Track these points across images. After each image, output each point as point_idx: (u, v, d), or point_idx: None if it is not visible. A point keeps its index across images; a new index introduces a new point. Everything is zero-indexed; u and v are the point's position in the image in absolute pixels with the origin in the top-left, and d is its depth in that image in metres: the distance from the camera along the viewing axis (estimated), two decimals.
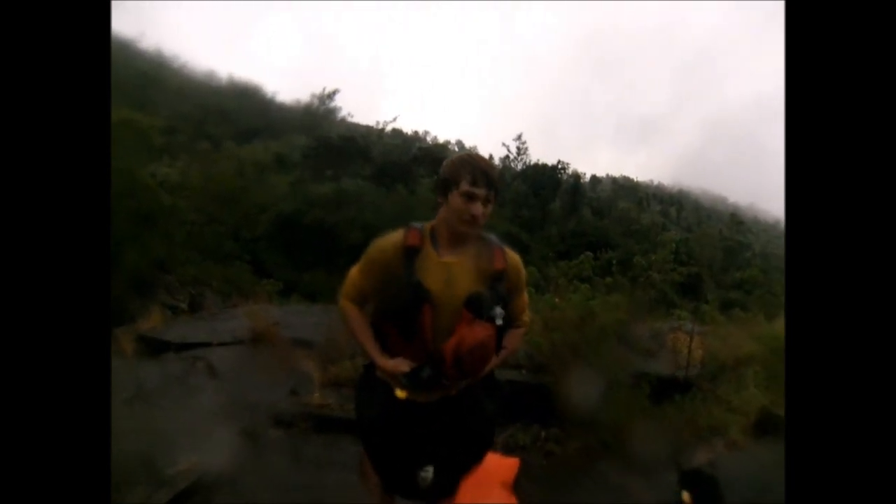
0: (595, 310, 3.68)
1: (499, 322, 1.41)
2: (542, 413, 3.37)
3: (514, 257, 1.52)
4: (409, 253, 1.43)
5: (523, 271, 1.55)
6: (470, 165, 1.41)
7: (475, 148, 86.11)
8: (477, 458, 1.64)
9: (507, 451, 3.02)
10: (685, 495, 2.41)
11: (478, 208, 1.39)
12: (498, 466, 2.50)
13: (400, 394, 1.46)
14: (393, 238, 1.46)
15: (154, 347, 4.35)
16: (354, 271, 1.52)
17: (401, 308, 1.41)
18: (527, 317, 1.63)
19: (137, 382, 3.39)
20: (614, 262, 4.85)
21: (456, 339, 1.37)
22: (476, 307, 1.39)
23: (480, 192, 1.39)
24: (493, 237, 1.52)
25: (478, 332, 1.38)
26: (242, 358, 4.13)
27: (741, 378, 3.67)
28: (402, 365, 1.43)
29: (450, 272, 1.43)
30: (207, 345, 4.28)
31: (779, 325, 4.76)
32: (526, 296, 1.62)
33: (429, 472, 1.48)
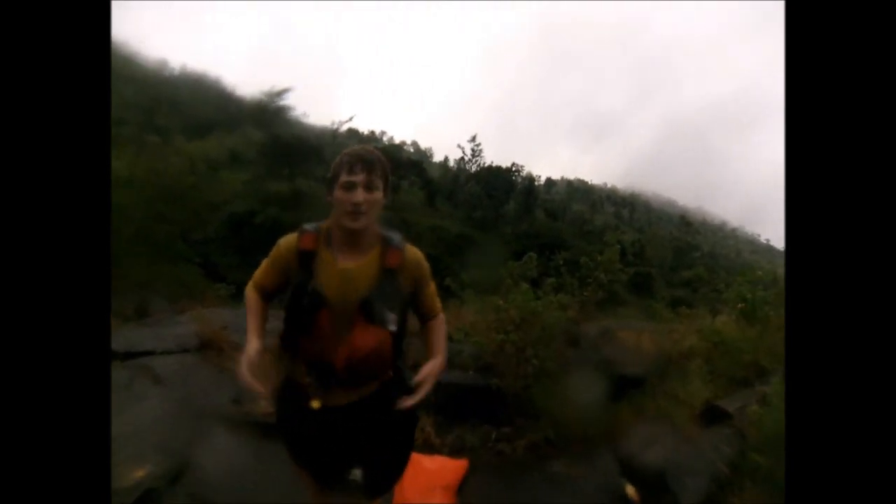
0: (538, 310, 3.75)
1: (391, 328, 1.41)
2: (490, 413, 3.41)
3: (412, 253, 1.51)
4: (304, 256, 1.42)
5: (425, 264, 1.55)
6: (346, 156, 1.40)
7: (430, 149, 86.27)
8: (401, 456, 1.64)
9: (455, 452, 3.03)
10: (629, 488, 2.50)
11: (358, 195, 1.36)
12: (444, 469, 2.51)
13: (315, 404, 1.45)
14: (290, 239, 1.48)
15: None
16: (264, 263, 1.55)
17: (298, 310, 1.41)
18: (439, 305, 1.64)
19: None
20: (562, 262, 4.97)
21: (347, 348, 1.38)
22: (368, 312, 1.40)
23: (358, 178, 1.36)
24: (394, 236, 1.50)
25: (370, 339, 1.39)
26: (190, 364, 3.97)
27: (686, 372, 3.84)
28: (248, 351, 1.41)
29: (346, 276, 1.41)
30: (153, 353, 4.09)
31: (720, 321, 5.01)
32: (433, 286, 1.62)
33: (357, 475, 1.48)
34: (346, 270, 1.41)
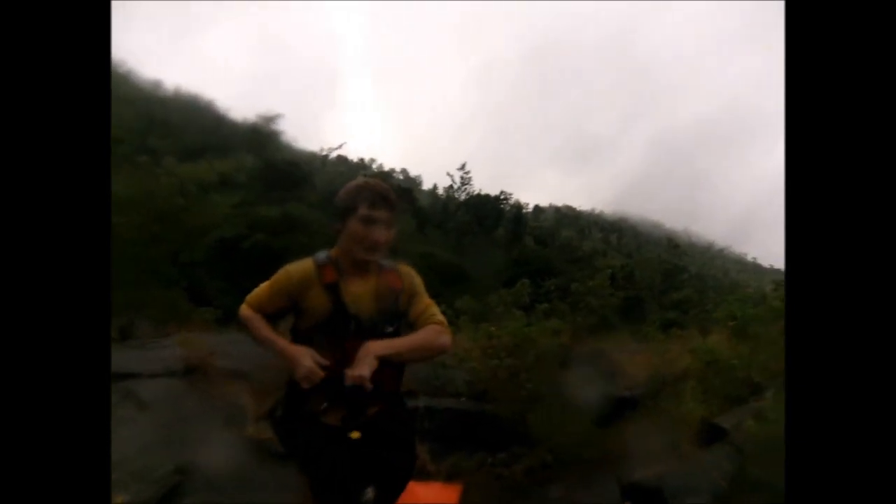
0: (532, 336, 3.75)
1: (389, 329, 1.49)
2: (485, 439, 3.37)
3: (406, 272, 1.59)
4: (331, 288, 1.46)
5: (416, 279, 1.60)
6: (367, 190, 1.46)
7: (420, 176, 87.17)
8: (406, 473, 1.66)
9: (451, 478, 2.98)
10: None
11: (380, 233, 1.44)
12: (439, 495, 2.47)
13: (355, 435, 1.47)
14: (304, 268, 1.49)
15: None
16: (265, 287, 1.53)
17: (334, 337, 1.45)
18: (439, 316, 1.59)
19: None
20: (553, 288, 5.03)
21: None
22: (373, 331, 1.47)
23: (381, 214, 1.43)
24: (387, 262, 1.57)
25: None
26: (176, 388, 3.86)
27: (681, 392, 3.83)
28: (308, 357, 1.41)
29: (356, 299, 1.47)
30: (138, 376, 3.98)
31: (711, 340, 5.03)
32: (426, 298, 1.61)
33: (369, 494, 1.50)
34: (356, 294, 1.47)
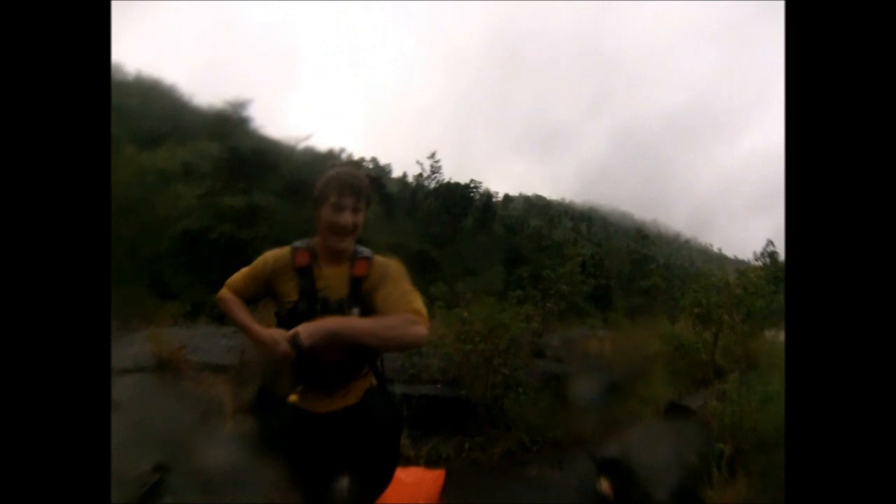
0: (505, 321, 3.84)
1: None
2: (461, 424, 3.45)
3: (380, 262, 1.57)
4: (303, 271, 1.52)
5: (392, 267, 1.56)
6: (336, 180, 1.52)
7: (389, 164, 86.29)
8: (387, 466, 1.68)
9: (431, 463, 3.04)
10: (603, 482, 2.59)
11: (346, 217, 1.49)
12: (422, 480, 2.52)
13: (293, 398, 1.45)
14: (281, 254, 1.57)
15: None
16: (244, 271, 1.62)
17: (307, 318, 1.43)
18: (416, 305, 1.49)
19: None
20: (525, 276, 5.13)
21: (325, 348, 1.40)
22: (341, 313, 1.49)
23: (347, 201, 1.49)
24: (364, 250, 1.60)
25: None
26: (148, 384, 3.77)
27: (649, 374, 4.00)
28: (277, 333, 1.40)
29: (327, 283, 1.52)
30: None
31: (679, 327, 5.23)
32: (403, 286, 1.53)
33: (343, 484, 1.52)
34: (328, 278, 1.52)
